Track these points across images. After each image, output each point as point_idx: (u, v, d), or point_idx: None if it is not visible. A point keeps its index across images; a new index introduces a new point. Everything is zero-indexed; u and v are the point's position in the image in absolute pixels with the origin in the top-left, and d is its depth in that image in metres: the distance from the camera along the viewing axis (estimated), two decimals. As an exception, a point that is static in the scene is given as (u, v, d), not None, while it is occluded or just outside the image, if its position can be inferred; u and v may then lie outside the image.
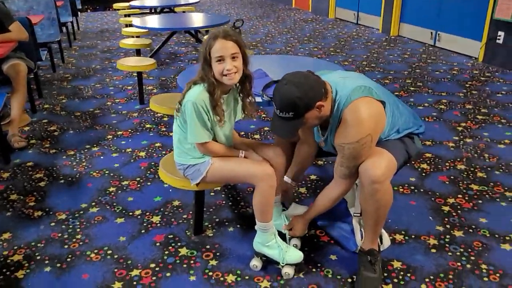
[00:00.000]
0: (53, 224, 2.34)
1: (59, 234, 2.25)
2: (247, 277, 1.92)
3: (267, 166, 1.85)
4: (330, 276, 1.92)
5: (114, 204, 2.51)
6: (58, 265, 2.03)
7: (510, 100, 3.97)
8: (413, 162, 2.88)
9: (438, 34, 6.02)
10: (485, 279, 1.87)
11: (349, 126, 1.69)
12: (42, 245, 2.17)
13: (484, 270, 1.92)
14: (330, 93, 1.74)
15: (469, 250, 2.06)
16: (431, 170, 2.80)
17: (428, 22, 6.20)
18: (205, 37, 1.81)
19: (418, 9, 6.42)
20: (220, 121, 1.78)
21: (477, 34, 5.27)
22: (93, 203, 2.52)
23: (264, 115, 3.78)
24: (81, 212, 2.44)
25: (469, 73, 4.85)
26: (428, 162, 2.90)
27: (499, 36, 4.88)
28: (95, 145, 3.27)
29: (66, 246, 2.16)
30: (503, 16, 4.73)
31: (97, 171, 2.88)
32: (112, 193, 2.62)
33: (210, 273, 1.95)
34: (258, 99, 2.14)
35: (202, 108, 1.75)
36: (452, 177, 2.70)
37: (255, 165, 1.86)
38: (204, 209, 2.41)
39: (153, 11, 8.16)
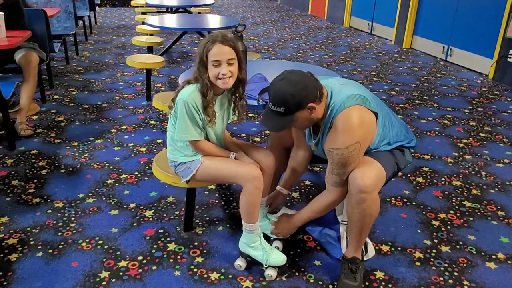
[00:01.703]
0: (49, 211, 2.41)
1: (54, 221, 2.32)
2: (230, 276, 1.96)
3: (255, 168, 1.89)
4: (312, 281, 1.95)
5: (110, 196, 2.57)
6: (50, 251, 2.09)
7: (515, 120, 3.94)
8: (408, 175, 2.89)
9: (450, 49, 6.00)
10: (466, 295, 1.89)
11: (339, 132, 1.72)
12: (37, 230, 2.24)
13: (465, 287, 1.93)
14: (325, 97, 1.78)
15: (454, 266, 2.07)
16: (426, 184, 2.80)
17: (441, 36, 6.18)
18: (204, 39, 1.86)
19: (432, 22, 6.41)
20: (210, 121, 1.83)
21: (489, 51, 5.25)
22: (90, 194, 2.59)
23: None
24: (78, 201, 2.51)
25: (477, 90, 4.83)
26: (424, 175, 2.90)
27: (511, 54, 4.85)
28: (98, 138, 3.35)
29: (59, 234, 2.22)
30: (515, 35, 4.70)
31: (97, 163, 2.96)
32: (110, 185, 2.68)
33: (195, 270, 2.00)
34: (255, 103, 2.18)
35: (193, 107, 1.80)
36: (446, 193, 2.70)
37: (243, 166, 1.90)
38: (197, 206, 2.47)
39: (169, 10, 8.27)
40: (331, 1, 9.33)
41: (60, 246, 2.12)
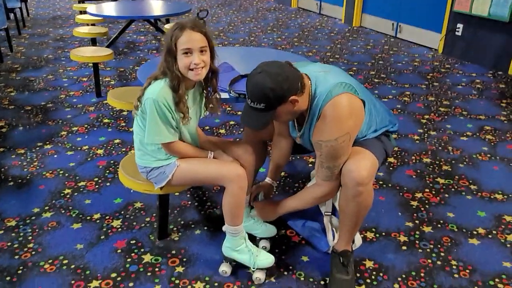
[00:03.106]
0: (1, 232, 2.13)
1: (9, 243, 2.05)
2: (216, 284, 1.82)
3: (237, 167, 1.75)
4: (302, 279, 1.86)
5: (70, 207, 2.33)
6: (8, 278, 1.84)
7: (469, 92, 4.06)
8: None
9: (400, 25, 6.09)
10: (456, 275, 1.88)
11: (328, 123, 1.61)
12: (-11, 256, 1.97)
13: (454, 267, 1.93)
14: (309, 87, 1.65)
15: (439, 246, 2.06)
16: (398, 164, 2.79)
17: (390, 13, 6.26)
18: (169, 26, 1.67)
19: (380, 0, 6.46)
20: (184, 118, 1.65)
21: (437, 26, 5.37)
22: (46, 207, 2.33)
23: (229, 109, 3.67)
24: (33, 217, 2.25)
25: (430, 64, 4.93)
26: (395, 156, 2.89)
27: (458, 28, 4.98)
28: (47, 143, 3.04)
29: (16, 257, 1.97)
30: (462, 9, 4.82)
31: (50, 172, 2.68)
32: (68, 196, 2.43)
33: (177, 281, 1.84)
34: (225, 95, 2.02)
35: (164, 105, 1.61)
36: (418, 171, 2.71)
37: (224, 165, 1.75)
38: (168, 210, 2.29)
39: (109, -3, 7.76)
40: (277, -18, 9.19)
41: (19, 272, 1.88)
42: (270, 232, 2.03)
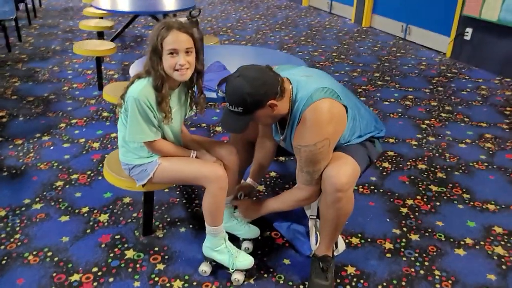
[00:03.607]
0: (-10, 221, 2.17)
1: (-4, 233, 2.09)
2: (195, 283, 1.83)
3: (218, 167, 1.74)
4: (281, 282, 1.85)
5: (60, 200, 2.36)
6: (-8, 268, 1.88)
7: (473, 98, 3.99)
8: (375, 161, 2.83)
9: (409, 27, 6.01)
10: (437, 286, 1.85)
11: (307, 128, 1.60)
12: (-24, 245, 2.01)
13: (437, 277, 1.90)
14: (289, 91, 1.65)
15: (424, 255, 2.03)
16: (392, 169, 2.76)
17: (400, 14, 6.18)
18: (156, 25, 1.67)
19: (390, 1, 6.38)
20: (165, 118, 1.66)
21: (446, 29, 5.28)
22: (37, 199, 2.36)
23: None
24: (23, 208, 2.28)
25: (436, 68, 4.85)
26: (390, 160, 2.86)
27: (467, 32, 4.89)
28: (45, 134, 3.08)
29: (2, 247, 2.00)
30: (472, 13, 4.73)
31: (45, 163, 2.71)
32: (59, 188, 2.46)
33: (156, 278, 1.85)
34: (213, 95, 2.02)
35: (145, 104, 1.61)
36: (412, 177, 2.67)
37: (205, 166, 1.75)
38: (156, 207, 2.30)
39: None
40: (289, -21, 9.14)
41: (3, 262, 1.91)
42: (253, 233, 2.03)
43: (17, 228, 2.13)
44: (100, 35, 5.01)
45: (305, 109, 1.59)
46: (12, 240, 2.05)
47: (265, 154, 2.02)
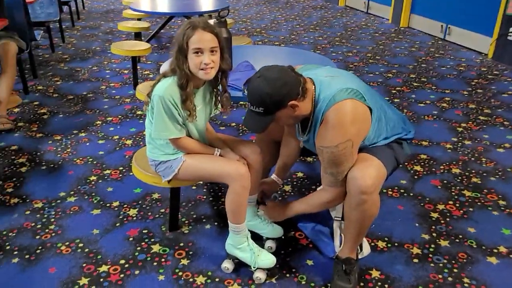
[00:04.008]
0: (28, 212, 2.28)
1: (32, 224, 2.20)
2: (217, 279, 1.85)
3: (241, 166, 1.76)
4: (303, 282, 1.84)
5: (93, 194, 2.45)
6: (27, 256, 1.98)
7: (516, 101, 3.80)
8: (406, 164, 2.77)
9: (449, 27, 5.81)
10: (466, 294, 1.78)
11: (329, 129, 1.59)
12: (14, 234, 2.12)
13: (466, 285, 1.83)
14: (312, 91, 1.64)
15: (453, 261, 1.96)
16: (424, 172, 2.68)
17: (439, 14, 5.98)
18: (182, 25, 1.71)
19: (430, 0, 6.19)
20: (190, 116, 1.69)
21: (488, 29, 5.06)
22: (72, 192, 2.46)
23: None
24: (58, 201, 2.39)
25: (476, 70, 4.67)
26: (422, 164, 2.78)
27: (511, 32, 4.67)
28: (82, 131, 3.20)
29: (37, 237, 2.10)
30: (516, 12, 4.52)
31: (80, 158, 2.82)
32: (92, 182, 2.56)
33: (180, 273, 1.89)
34: (240, 94, 2.04)
35: (170, 102, 1.65)
36: (445, 182, 2.59)
37: (228, 164, 1.77)
38: (183, 203, 2.35)
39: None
40: (326, -21, 9.05)
41: (38, 251, 2.01)
42: (277, 232, 2.03)
43: (52, 220, 2.23)
44: (137, 36, 5.17)
45: (328, 109, 1.58)
46: (47, 230, 2.15)
47: (290, 153, 2.01)
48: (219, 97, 1.83)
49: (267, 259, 1.82)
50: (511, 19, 4.63)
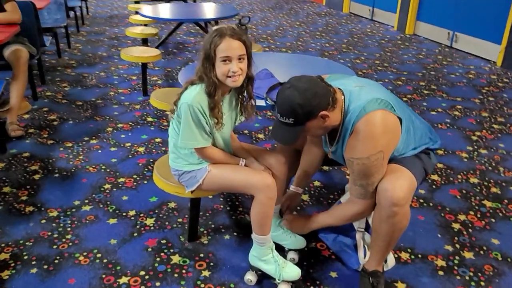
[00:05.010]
0: (43, 221, 2.24)
1: (49, 233, 2.16)
2: (240, 292, 1.82)
3: (267, 176, 1.73)
4: (328, 295, 1.81)
5: (108, 202, 2.41)
6: (45, 266, 1.94)
7: (528, 109, 3.79)
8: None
9: (456, 34, 5.81)
10: (495, 308, 1.75)
11: (361, 140, 1.56)
12: (31, 243, 2.08)
13: (494, 298, 1.80)
14: (341, 102, 1.61)
15: (479, 274, 1.93)
16: (442, 182, 2.65)
17: (446, 21, 5.99)
18: (209, 32, 1.68)
19: (436, 7, 6.20)
20: (217, 123, 1.66)
21: (497, 37, 5.06)
22: (86, 201, 2.42)
23: (270, 113, 3.65)
24: (73, 209, 2.35)
25: (486, 78, 4.66)
26: (439, 173, 2.75)
27: (520, 40, 4.67)
28: (93, 138, 3.17)
29: (55, 247, 2.06)
30: (526, 20, 4.52)
31: (93, 166, 2.79)
32: (107, 191, 2.52)
33: (202, 285, 1.85)
34: (262, 103, 2.01)
35: (199, 110, 1.63)
36: (464, 191, 2.56)
37: (254, 174, 1.74)
38: (201, 213, 2.31)
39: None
40: (330, -14, 9.08)
41: (56, 261, 1.97)
42: (299, 244, 1.99)
43: (68, 229, 2.19)
44: (145, 42, 5.15)
45: (358, 120, 1.55)
46: (63, 240, 2.11)
47: (312, 162, 1.98)
48: (244, 104, 1.80)
49: (292, 271, 1.78)
50: (521, 27, 4.64)
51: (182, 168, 1.79)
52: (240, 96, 1.80)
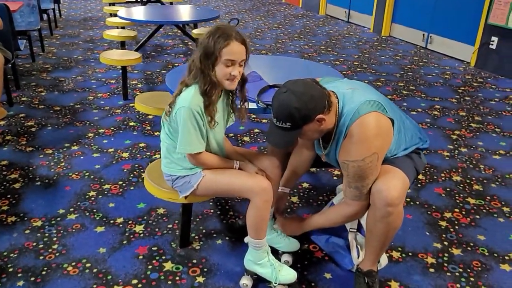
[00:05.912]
0: (27, 231, 2.16)
1: (34, 243, 2.08)
2: (236, 297, 1.80)
3: (263, 180, 1.72)
4: (324, 296, 1.82)
5: (94, 210, 2.35)
6: (32, 278, 1.87)
7: (503, 108, 3.92)
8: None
9: (430, 36, 5.97)
10: (486, 303, 1.80)
11: (355, 143, 1.57)
12: (15, 255, 2.00)
13: (484, 293, 1.85)
14: (336, 105, 1.62)
15: (468, 270, 1.98)
16: (427, 181, 2.71)
17: (421, 23, 6.14)
18: (199, 31, 1.66)
19: (411, 10, 6.35)
20: (211, 121, 1.64)
21: (470, 38, 5.23)
22: (71, 209, 2.35)
23: (254, 116, 3.65)
24: (58, 218, 2.27)
25: (461, 78, 4.80)
26: (423, 172, 2.81)
27: (493, 41, 4.84)
28: (74, 144, 3.08)
29: (41, 257, 1.99)
30: (498, 21, 4.68)
31: (76, 173, 2.71)
32: (92, 198, 2.45)
33: (197, 292, 1.82)
34: (253, 105, 2.00)
35: (198, 113, 1.61)
36: (448, 189, 2.62)
37: (250, 178, 1.72)
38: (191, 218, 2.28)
39: (139, 0, 7.90)
40: (306, -12, 9.16)
41: (44, 272, 1.90)
42: (293, 246, 1.99)
43: (54, 239, 2.12)
44: (123, 45, 5.06)
45: (352, 123, 1.57)
46: (50, 250, 2.04)
47: (302, 163, 1.98)
48: (235, 105, 1.79)
49: (288, 274, 1.78)
50: (493, 28, 4.80)
51: (175, 173, 1.76)
52: (231, 95, 1.79)
